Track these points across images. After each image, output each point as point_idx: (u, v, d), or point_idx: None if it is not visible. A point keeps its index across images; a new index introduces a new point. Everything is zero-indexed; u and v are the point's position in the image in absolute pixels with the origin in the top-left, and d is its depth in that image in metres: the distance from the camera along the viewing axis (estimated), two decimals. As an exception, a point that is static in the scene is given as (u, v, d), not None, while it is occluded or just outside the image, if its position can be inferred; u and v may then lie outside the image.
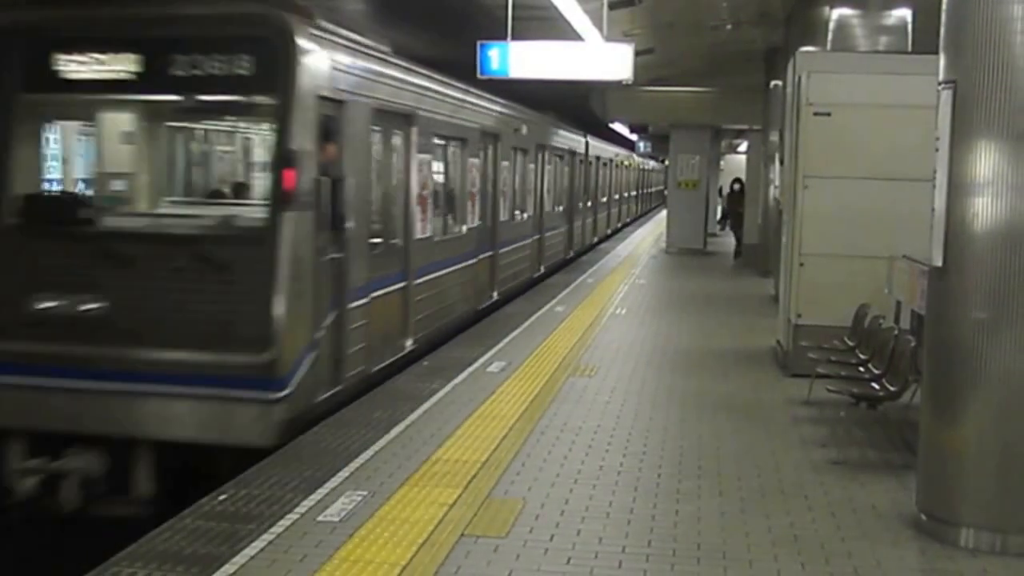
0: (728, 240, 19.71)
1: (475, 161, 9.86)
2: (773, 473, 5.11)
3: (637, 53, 9.20)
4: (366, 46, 6.59)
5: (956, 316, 4.14)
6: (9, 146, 5.71)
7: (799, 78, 7.53)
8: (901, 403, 5.68)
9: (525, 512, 4.38)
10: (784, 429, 6.02)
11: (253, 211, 5.78)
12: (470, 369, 7.35)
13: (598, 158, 20.25)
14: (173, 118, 6.59)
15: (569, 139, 16.00)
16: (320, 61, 5.69)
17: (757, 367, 7.97)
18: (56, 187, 6.60)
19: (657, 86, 18.60)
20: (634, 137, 31.00)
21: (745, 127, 20.00)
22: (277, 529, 4.10)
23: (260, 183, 6.78)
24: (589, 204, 18.64)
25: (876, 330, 6.34)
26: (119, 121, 6.38)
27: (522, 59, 8.76)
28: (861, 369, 6.16)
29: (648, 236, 23.28)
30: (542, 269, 13.44)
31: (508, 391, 6.71)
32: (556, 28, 10.24)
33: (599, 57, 8.99)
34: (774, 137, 13.31)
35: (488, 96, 10.25)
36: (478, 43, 8.80)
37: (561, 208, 15.23)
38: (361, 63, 6.42)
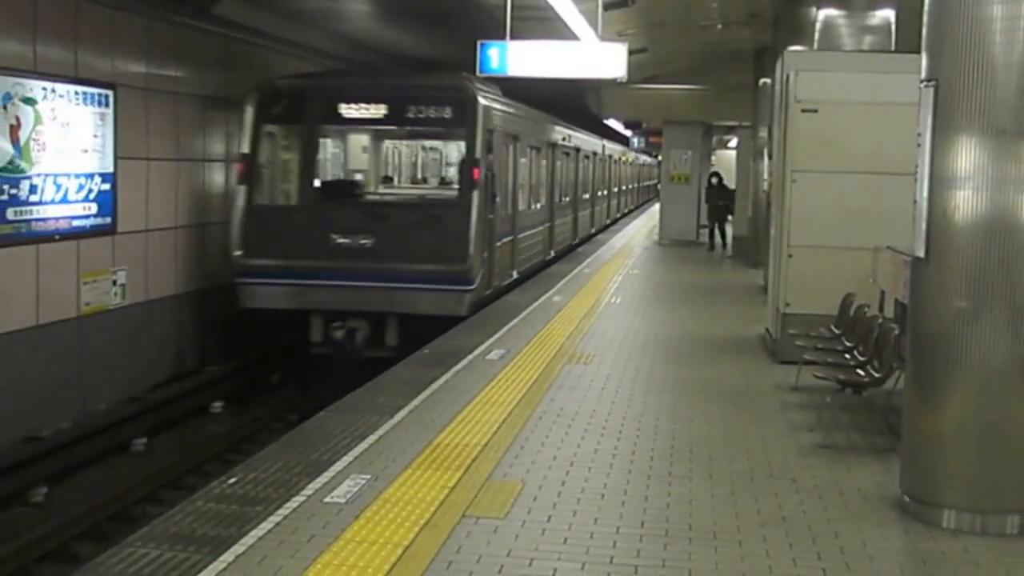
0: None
1: (544, 162, 13.62)
2: (762, 457, 5.08)
3: (631, 52, 9.15)
4: (501, 99, 10.46)
5: (938, 304, 4.10)
6: (314, 156, 9.65)
7: (787, 76, 7.48)
8: (885, 389, 5.65)
9: (523, 494, 4.36)
10: (772, 414, 6.00)
11: (452, 189, 10.31)
12: (470, 357, 7.32)
13: (611, 156, 23.33)
14: (401, 139, 12.05)
15: (591, 143, 19.38)
16: (485, 110, 9.58)
17: (747, 354, 7.94)
18: (345, 178, 11.21)
19: (650, 84, 18.53)
20: (628, 133, 30.91)
21: (735, 123, 19.93)
22: (285, 511, 4.08)
23: (453, 175, 11.42)
24: (600, 193, 21.54)
25: (861, 318, 6.30)
26: (365, 140, 11.50)
27: (520, 58, 8.71)
28: (847, 356, 6.13)
29: (642, 228, 23.21)
30: (576, 240, 17.33)
31: (507, 378, 6.68)
32: (553, 28, 10.17)
33: (594, 56, 8.94)
34: (763, 133, 13.24)
35: (550, 117, 14.07)
36: (478, 43, 8.74)
37: (587, 195, 18.95)
38: (499, 108, 10.27)
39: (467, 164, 9.35)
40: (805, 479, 4.72)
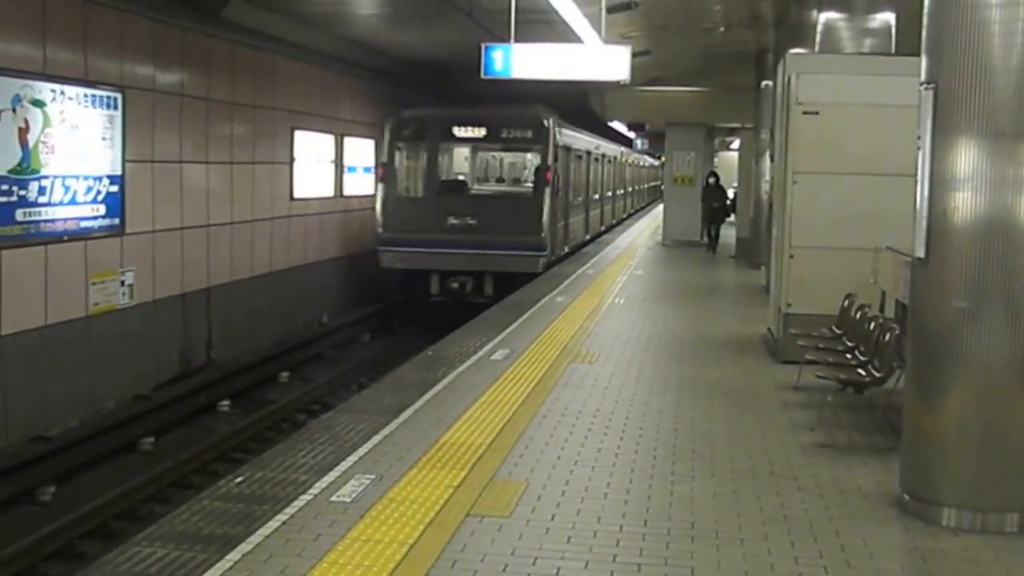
0: (724, 232, 18.18)
1: (584, 167, 17.45)
2: (764, 456, 5.09)
3: (634, 54, 9.16)
4: (560, 122, 14.12)
5: (938, 304, 4.11)
6: (434, 163, 13.57)
7: (788, 78, 7.49)
8: (886, 388, 5.65)
9: (527, 493, 4.38)
10: (774, 413, 6.00)
11: (529, 186, 14.04)
12: (474, 357, 7.33)
13: (627, 161, 27.25)
14: (491, 151, 16.07)
15: (613, 150, 23.21)
16: (554, 132, 13.50)
17: (749, 354, 7.95)
18: (455, 177, 15.07)
19: (653, 86, 18.53)
20: (632, 135, 30.90)
21: (737, 125, 19.90)
22: (291, 510, 4.09)
23: (530, 176, 14.90)
24: (619, 191, 25.19)
25: (862, 318, 6.30)
26: (467, 152, 15.77)
27: (524, 60, 8.72)
28: (848, 356, 6.14)
29: (645, 229, 23.20)
30: (603, 227, 20.93)
31: (511, 378, 6.70)
32: (557, 31, 10.18)
33: (598, 58, 8.94)
34: (765, 135, 13.24)
35: (588, 132, 17.83)
36: (482, 45, 8.75)
37: (610, 193, 22.72)
38: (560, 129, 14.09)
39: (541, 169, 13.58)
40: (806, 478, 4.72)
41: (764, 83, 14.19)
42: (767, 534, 3.99)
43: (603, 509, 4.22)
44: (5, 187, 7.21)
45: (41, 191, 7.63)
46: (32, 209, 7.54)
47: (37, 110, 7.54)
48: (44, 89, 7.61)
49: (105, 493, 6.54)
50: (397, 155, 13.36)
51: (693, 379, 6.91)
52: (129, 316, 8.83)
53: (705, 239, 17.84)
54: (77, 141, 8.03)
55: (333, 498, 4.22)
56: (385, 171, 13.15)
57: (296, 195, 12.42)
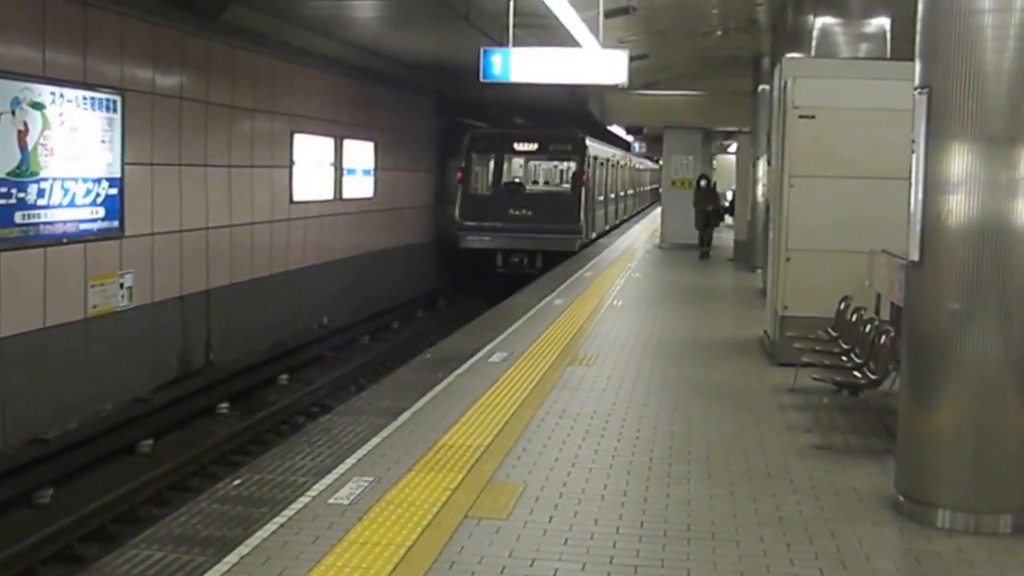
0: (722, 236, 18.01)
1: (607, 171, 21.62)
2: (760, 457, 5.10)
3: (632, 59, 9.18)
4: (593, 139, 18.31)
5: (932, 307, 4.13)
6: (500, 168, 17.69)
7: (785, 83, 7.51)
8: (881, 390, 5.67)
9: (525, 495, 4.39)
10: (770, 415, 6.02)
11: (569, 187, 17.96)
12: (473, 360, 7.34)
13: (635, 166, 31.30)
14: (541, 161, 19.77)
15: (625, 156, 27.63)
16: (589, 147, 17.93)
17: (745, 356, 7.96)
18: (514, 180, 18.40)
19: (651, 90, 18.55)
20: (630, 138, 30.96)
21: (735, 129, 19.93)
22: (289, 512, 4.10)
23: (569, 179, 18.07)
24: (629, 192, 28.75)
25: (858, 321, 6.32)
26: (522, 161, 19.24)
27: (523, 64, 8.74)
28: (844, 358, 6.15)
29: (643, 232, 23.23)
30: (617, 220, 25.02)
31: (509, 380, 6.71)
32: (555, 35, 10.21)
33: (596, 62, 8.96)
34: (762, 139, 13.27)
35: (610, 144, 22.58)
36: (481, 49, 8.77)
37: (623, 193, 26.60)
38: (593, 144, 18.33)
39: (577, 174, 17.90)
40: (802, 479, 4.74)
41: (761, 87, 14.23)
42: (763, 536, 4.00)
43: (600, 511, 4.24)
44: (4, 189, 7.22)
45: (40, 193, 7.64)
46: (31, 211, 7.55)
47: (36, 112, 7.55)
48: (43, 91, 7.62)
49: (103, 495, 6.53)
50: (472, 162, 17.56)
51: (690, 381, 6.93)
52: (128, 318, 8.84)
53: (701, 246, 16.91)
54: (76, 143, 8.04)
55: (331, 500, 4.23)
56: (463, 174, 17.25)
57: (296, 198, 12.44)
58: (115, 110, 8.58)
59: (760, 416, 5.99)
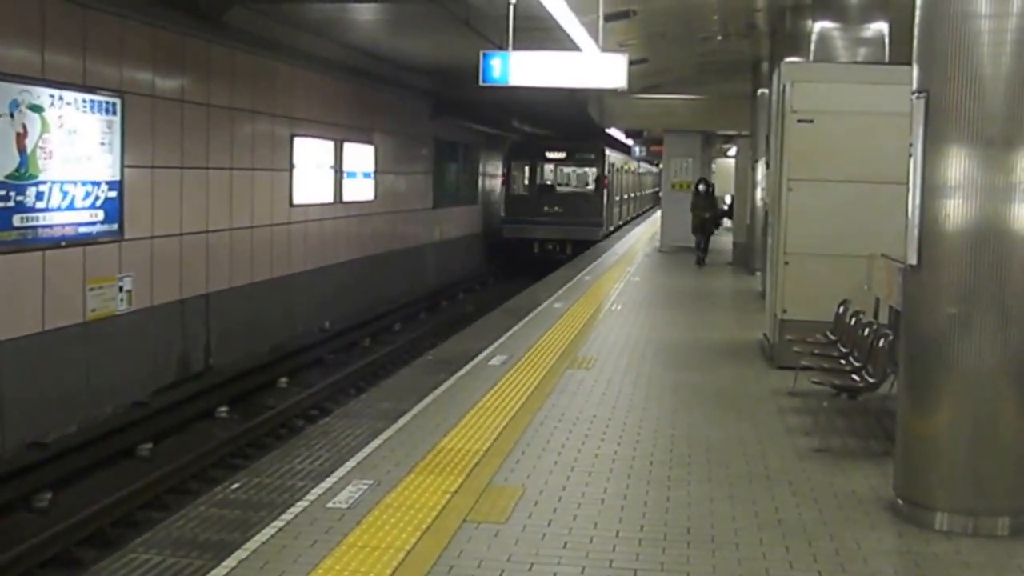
0: (722, 239, 17.65)
1: (621, 176, 25.41)
2: (759, 460, 5.12)
3: (631, 62, 9.19)
4: (612, 149, 23.67)
5: (930, 311, 4.15)
6: (535, 173, 22.29)
7: (784, 87, 7.54)
8: (880, 393, 5.68)
9: (524, 499, 4.40)
10: (770, 419, 6.03)
11: (592, 188, 22.27)
12: (473, 363, 7.36)
13: (641, 171, 34.96)
14: (569, 167, 24.30)
15: (635, 162, 31.62)
16: (608, 155, 22.47)
17: (745, 360, 7.98)
18: (547, 182, 23.58)
19: (651, 94, 18.59)
20: (630, 142, 31.03)
21: (734, 132, 19.96)
22: (287, 516, 4.11)
23: (592, 181, 22.33)
24: (636, 194, 32.51)
25: (856, 325, 6.34)
26: (552, 167, 23.75)
27: (522, 68, 8.74)
28: (842, 362, 6.17)
29: (643, 235, 23.27)
30: (628, 217, 28.56)
31: (509, 383, 6.72)
32: (554, 39, 10.24)
33: (595, 66, 8.97)
34: (761, 142, 13.30)
35: (625, 153, 27.50)
36: (481, 52, 8.79)
37: (632, 195, 30.29)
38: (611, 153, 23.22)
39: (599, 177, 21.87)
40: (801, 482, 4.75)
41: (760, 91, 14.26)
42: (762, 538, 4.01)
43: (599, 515, 4.24)
44: (2, 192, 7.23)
45: (39, 196, 7.65)
46: (30, 214, 7.56)
47: (35, 115, 7.56)
48: (42, 94, 7.63)
49: (102, 499, 6.53)
50: (513, 167, 21.74)
51: (690, 385, 6.94)
52: (127, 322, 8.85)
53: (698, 251, 16.36)
54: (75, 146, 8.06)
55: (330, 504, 4.24)
56: (507, 178, 21.60)
57: (295, 201, 12.45)
58: (114, 113, 8.59)
59: (759, 419, 6.00)
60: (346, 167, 14.03)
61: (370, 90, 14.60)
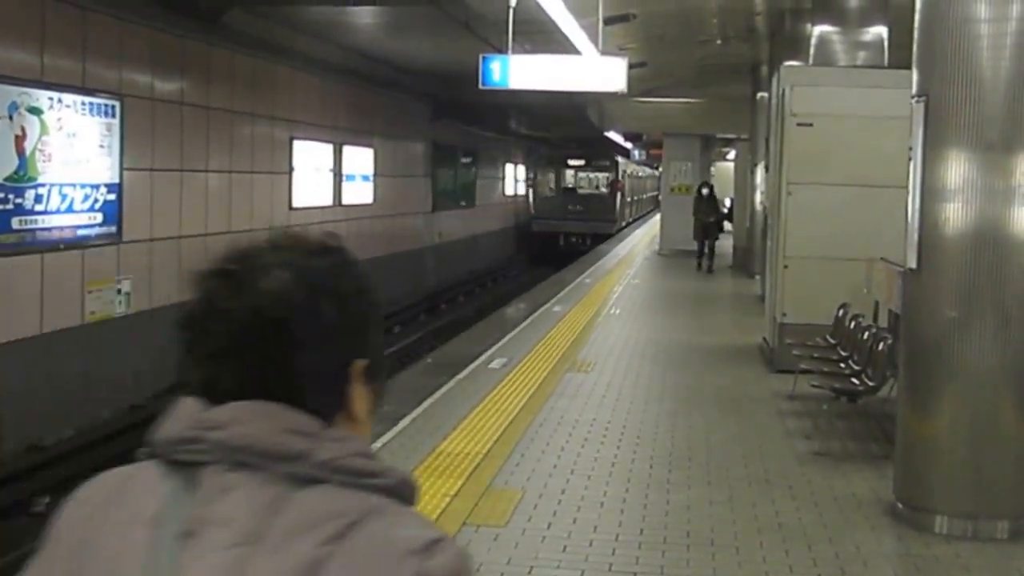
0: (722, 243, 17.38)
1: (630, 180, 29.84)
2: (759, 464, 5.13)
3: (631, 66, 9.22)
4: (625, 158, 29.83)
5: (930, 314, 4.16)
6: (559, 177, 26.27)
7: (783, 90, 7.56)
8: (879, 397, 5.70)
9: (524, 502, 4.40)
10: (769, 422, 6.04)
11: (607, 190, 26.19)
12: (472, 366, 7.36)
13: (646, 176, 38.01)
14: (587, 172, 26.59)
15: (641, 167, 35.25)
16: (621, 164, 27.95)
17: (744, 363, 7.99)
18: (568, 185, 27.03)
19: (650, 97, 18.62)
20: (629, 145, 31.08)
21: (733, 136, 19.99)
22: (289, 518, 4.11)
23: (607, 184, 26.42)
24: (642, 196, 36.01)
25: (856, 328, 6.36)
26: (572, 172, 26.93)
27: (522, 71, 8.76)
28: (842, 365, 6.18)
29: (643, 239, 23.30)
30: (636, 215, 32.10)
31: (508, 386, 6.73)
32: (554, 42, 10.26)
33: (595, 70, 9.00)
34: (760, 146, 13.33)
35: (636, 161, 32.81)
36: (480, 56, 8.81)
37: (640, 197, 34.33)
38: (624, 161, 29.22)
39: (613, 181, 25.85)
40: (801, 486, 4.76)
41: (759, 95, 14.29)
42: (762, 542, 4.02)
43: (599, 518, 4.25)
44: (1, 195, 7.24)
45: (38, 199, 7.66)
46: (28, 217, 7.57)
47: (34, 117, 7.57)
48: (41, 96, 7.64)
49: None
50: (538, 173, 26.54)
51: (689, 388, 6.95)
52: (126, 324, 8.85)
53: (699, 256, 15.91)
54: (74, 149, 8.07)
55: (330, 506, 4.24)
56: (534, 181, 26.56)
57: (295, 204, 12.47)
58: (114, 115, 8.60)
59: (759, 423, 6.01)
60: (345, 170, 14.06)
61: (369, 93, 14.64)
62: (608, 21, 10.02)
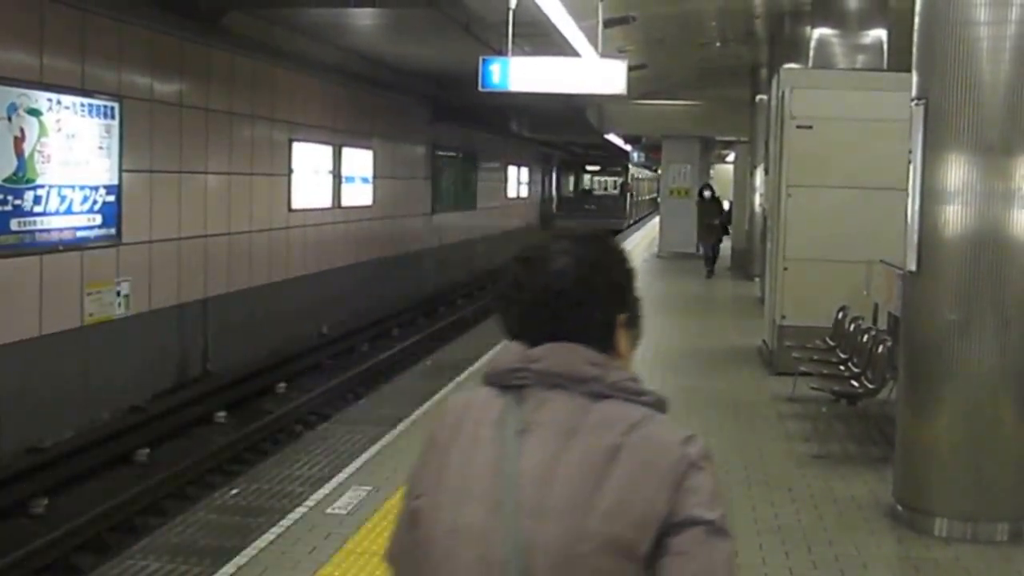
0: (722, 245, 17.66)
1: (637, 182, 35.02)
2: (759, 466, 5.12)
3: (630, 68, 9.22)
4: (634, 163, 34.21)
5: (929, 317, 4.16)
6: (579, 180, 32.13)
7: (783, 93, 7.57)
8: (879, 399, 5.69)
9: (523, 504, 4.39)
10: (769, 424, 6.04)
11: (618, 192, 31.76)
12: (471, 369, 7.36)
13: (647, 177, 41.27)
14: (602, 176, 32.43)
15: (645, 171, 38.58)
16: (631, 169, 33.57)
17: (744, 366, 7.98)
18: (586, 187, 32.79)
19: (649, 99, 18.63)
20: (628, 147, 31.16)
21: (733, 138, 20.00)
22: (286, 522, 4.11)
23: (619, 187, 32.48)
24: (646, 197, 39.89)
25: (855, 330, 6.35)
26: (589, 176, 32.71)
27: (522, 73, 8.76)
28: (842, 367, 6.18)
29: (641, 241, 23.30)
30: (642, 213, 36.06)
31: (507, 389, 6.71)
32: (554, 44, 10.27)
33: (594, 72, 9.00)
34: (760, 148, 13.33)
35: (644, 166, 36.72)
36: (480, 58, 8.81)
37: (645, 198, 38.76)
38: (633, 166, 34.30)
39: (624, 184, 31.28)
40: (801, 488, 4.76)
41: (759, 97, 14.30)
42: (762, 544, 4.02)
43: (598, 520, 4.24)
44: (0, 196, 7.24)
45: (37, 200, 7.65)
46: (27, 219, 7.56)
47: (33, 119, 7.57)
48: (40, 98, 7.64)
49: (99, 505, 6.52)
50: (560, 177, 31.35)
51: (689, 390, 6.94)
52: (125, 326, 8.85)
53: (710, 262, 15.61)
54: (74, 150, 8.06)
55: (329, 510, 4.24)
56: (558, 183, 31.09)
57: (294, 206, 12.47)
58: (113, 117, 8.60)
59: (759, 425, 6.01)
60: (344, 172, 14.07)
61: (369, 95, 14.64)
62: (608, 23, 10.03)
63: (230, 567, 3.65)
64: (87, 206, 8.31)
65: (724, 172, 27.46)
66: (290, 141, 12.30)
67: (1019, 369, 4.05)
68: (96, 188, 8.42)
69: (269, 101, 11.70)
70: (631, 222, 32.01)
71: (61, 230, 7.96)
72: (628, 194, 31.51)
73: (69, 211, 8.06)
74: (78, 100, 8.09)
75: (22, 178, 7.47)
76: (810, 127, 7.31)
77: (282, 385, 10.46)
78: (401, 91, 15.68)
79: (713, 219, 15.64)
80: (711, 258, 15.61)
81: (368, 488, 4.52)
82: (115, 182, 8.67)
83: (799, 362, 6.41)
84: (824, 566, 3.82)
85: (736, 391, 6.99)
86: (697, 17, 12.28)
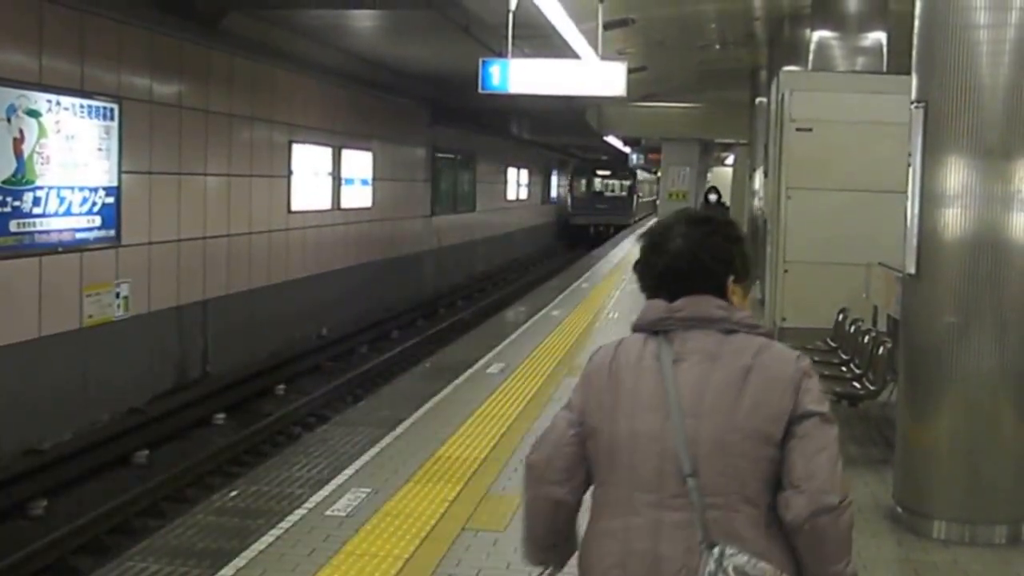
0: None
1: (644, 186, 39.89)
2: (757, 469, 5.11)
3: (630, 70, 9.23)
4: (639, 168, 34.79)
5: (928, 320, 4.16)
6: (591, 183, 34.28)
7: (782, 95, 7.58)
8: (880, 401, 5.69)
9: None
10: (768, 427, 6.02)
11: (626, 194, 34.43)
12: (470, 371, 7.36)
13: (653, 182, 43.67)
14: (611, 180, 34.55)
15: (647, 175, 40.51)
16: (637, 173, 36.03)
17: (743, 368, 7.98)
18: (596, 189, 34.43)
19: (649, 102, 18.65)
20: (627, 149, 31.16)
21: (732, 141, 20.03)
22: (286, 524, 4.11)
23: (626, 190, 34.86)
24: (651, 198, 42.68)
25: (856, 332, 6.35)
26: (600, 179, 34.72)
27: (521, 75, 8.77)
28: (843, 369, 6.18)
29: (640, 242, 23.30)
30: (642, 215, 37.95)
31: (507, 391, 6.72)
32: (554, 46, 10.28)
33: (594, 74, 9.01)
34: (759, 151, 13.34)
35: (648, 170, 36.91)
36: (480, 60, 8.82)
37: (650, 198, 41.74)
38: (639, 170, 36.04)
39: (631, 187, 34.35)
40: (800, 492, 4.74)
41: (758, 99, 14.32)
42: (760, 547, 4.01)
43: (597, 522, 4.24)
44: None
45: (36, 202, 7.66)
46: (26, 220, 7.57)
47: (32, 120, 7.57)
48: (40, 99, 7.64)
49: (98, 507, 6.52)
50: (574, 181, 33.92)
51: (688, 393, 6.94)
52: (124, 328, 8.85)
53: None
54: (73, 152, 8.07)
55: (328, 512, 4.24)
56: (572, 187, 33.74)
57: (293, 208, 12.47)
58: (112, 118, 8.61)
59: (758, 428, 5.99)
60: (344, 174, 14.07)
61: (369, 97, 14.66)
62: (608, 26, 10.04)
63: (229, 569, 3.65)
64: (86, 207, 8.31)
65: (723, 174, 27.44)
66: (290, 143, 12.31)
67: (1018, 372, 4.05)
68: (95, 189, 8.42)
69: (269, 103, 11.70)
70: (636, 219, 35.97)
71: (60, 231, 7.97)
72: (634, 196, 34.90)
73: (68, 212, 8.06)
74: (77, 101, 8.10)
75: (21, 179, 7.48)
76: (810, 129, 7.32)
77: (281, 387, 10.47)
78: (401, 93, 15.69)
79: None
80: None
81: (367, 490, 4.52)
82: (114, 183, 8.68)
83: (799, 364, 6.40)
84: (823, 569, 3.81)
85: (735, 393, 6.98)
86: (697, 19, 12.29)
